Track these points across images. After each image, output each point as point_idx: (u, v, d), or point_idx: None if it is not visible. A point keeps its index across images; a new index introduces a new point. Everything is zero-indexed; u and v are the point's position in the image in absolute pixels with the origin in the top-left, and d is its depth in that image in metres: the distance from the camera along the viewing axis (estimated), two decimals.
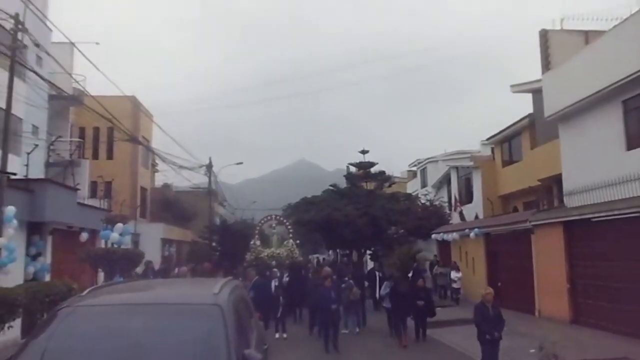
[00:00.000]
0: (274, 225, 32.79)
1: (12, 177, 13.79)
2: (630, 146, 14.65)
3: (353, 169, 34.57)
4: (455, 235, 24.44)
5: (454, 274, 22.52)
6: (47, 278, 15.49)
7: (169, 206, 38.61)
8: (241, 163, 41.29)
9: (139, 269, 18.91)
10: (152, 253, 26.11)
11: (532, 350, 10.65)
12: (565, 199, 17.42)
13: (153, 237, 31.07)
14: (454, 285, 22.38)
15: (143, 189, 35.10)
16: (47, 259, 16.38)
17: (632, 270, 12.92)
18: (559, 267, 15.85)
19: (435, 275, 24.17)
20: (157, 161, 36.36)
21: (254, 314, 6.74)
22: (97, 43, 23.40)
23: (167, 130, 44.36)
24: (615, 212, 13.25)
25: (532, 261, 17.57)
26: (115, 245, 16.35)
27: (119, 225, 16.46)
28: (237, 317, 4.92)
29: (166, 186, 42.38)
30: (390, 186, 33.68)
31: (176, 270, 20.89)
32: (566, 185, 17.41)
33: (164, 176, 41.51)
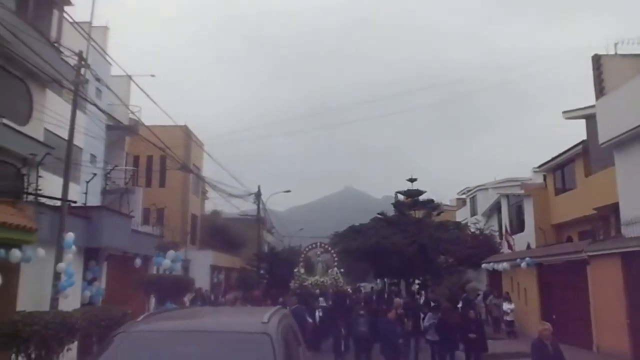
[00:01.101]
0: (319, 253, 32.70)
1: (73, 204, 14.40)
2: None
3: (401, 197, 34.37)
4: (506, 265, 23.83)
5: (506, 306, 21.80)
6: (100, 302, 15.97)
7: (218, 233, 39.22)
8: (289, 191, 41.85)
9: (188, 297, 19.22)
10: (202, 279, 26.55)
11: None
12: (622, 229, 16.79)
13: (202, 264, 31.55)
14: (507, 318, 21.58)
15: (193, 216, 35.87)
16: (102, 283, 16.90)
17: None
18: (617, 301, 15.20)
19: (488, 306, 23.46)
20: (207, 189, 37.18)
21: (302, 343, 6.78)
22: (152, 75, 24.47)
23: (217, 159, 45.31)
24: None
25: (589, 293, 16.92)
26: (167, 272, 16.75)
27: (171, 252, 16.89)
28: (286, 346, 4.99)
29: (216, 213, 43.14)
30: (439, 214, 33.27)
31: (220, 297, 21.15)
32: (624, 215, 16.80)
33: (214, 203, 42.42)
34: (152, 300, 18.82)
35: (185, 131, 32.57)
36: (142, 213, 28.81)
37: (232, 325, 5.23)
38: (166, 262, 16.52)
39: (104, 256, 17.09)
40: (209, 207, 43.21)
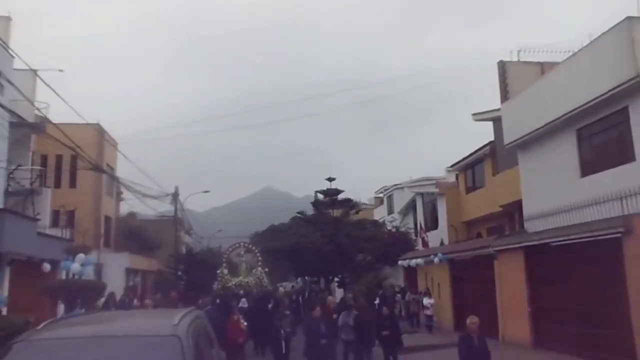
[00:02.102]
0: (242, 253, 32.49)
1: None
2: (584, 173, 15.22)
3: (320, 196, 34.77)
4: (420, 261, 24.67)
5: (426, 300, 22.03)
6: (4, 311, 15.02)
7: (134, 235, 37.93)
8: (208, 191, 41.21)
9: (100, 302, 18.44)
10: (117, 283, 25.57)
11: None
12: (525, 224, 17.87)
13: (117, 267, 30.39)
14: (427, 312, 21.78)
15: (107, 218, 34.48)
16: (5, 291, 15.93)
17: (589, 294, 13.29)
18: (520, 291, 16.15)
19: (407, 302, 23.85)
20: (122, 190, 35.86)
21: (215, 344, 6.71)
22: (60, 70, 23.28)
23: (133, 159, 43.74)
24: (572, 237, 13.65)
25: (495, 286, 17.86)
26: (77, 276, 15.98)
27: (80, 255, 16.12)
28: (197, 348, 4.92)
29: (131, 215, 41.71)
30: (357, 213, 33.96)
31: (136, 301, 20.43)
32: (526, 211, 17.88)
33: (129, 205, 40.94)
34: (62, 307, 17.96)
35: (98, 129, 31.23)
36: (51, 215, 27.31)
37: (140, 329, 5.09)
38: (75, 266, 15.74)
39: (6, 261, 16.11)
40: (124, 208, 41.72)
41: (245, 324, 13.04)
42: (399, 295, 25.00)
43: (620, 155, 14.15)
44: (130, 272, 32.95)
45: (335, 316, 13.92)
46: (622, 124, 13.98)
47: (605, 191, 13.26)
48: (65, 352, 4.59)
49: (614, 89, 13.56)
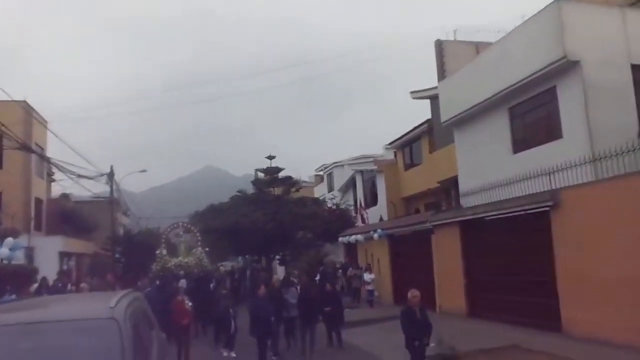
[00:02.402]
0: (181, 233, 31.85)
1: None
2: (516, 150, 15.89)
3: (261, 175, 34.57)
4: (360, 237, 25.07)
5: (367, 276, 22.12)
6: None
7: (67, 218, 36.53)
8: (145, 171, 39.96)
9: (33, 287, 17.76)
10: (50, 267, 24.60)
11: (432, 345, 11.15)
12: (461, 200, 18.47)
13: (50, 251, 29.23)
14: (368, 287, 21.93)
15: (38, 200, 33.04)
16: None
17: (519, 264, 13.93)
18: (456, 265, 16.74)
19: (349, 277, 23.94)
20: (53, 170, 34.37)
21: (155, 326, 6.61)
22: None
23: (64, 138, 41.98)
24: (503, 211, 14.22)
25: (433, 260, 18.41)
26: (5, 261, 15.31)
27: (9, 239, 15.47)
28: (135, 331, 4.84)
29: (64, 197, 40.10)
30: (297, 191, 34.04)
31: (70, 286, 19.80)
32: (462, 187, 18.47)
33: (62, 186, 39.35)
34: None
35: (25, 107, 29.69)
36: None
37: (75, 313, 4.96)
38: (4, 251, 15.10)
39: None
40: (56, 190, 40.04)
41: (190, 304, 12.73)
42: (340, 271, 25.29)
43: (549, 132, 14.82)
44: (64, 255, 31.80)
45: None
46: (551, 102, 14.62)
47: (535, 167, 13.85)
48: None
49: (543, 68, 14.14)
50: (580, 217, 11.67)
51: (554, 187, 12.84)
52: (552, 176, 13.10)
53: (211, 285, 18.80)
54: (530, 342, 11.41)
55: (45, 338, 4.38)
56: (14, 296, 14.30)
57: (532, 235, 13.41)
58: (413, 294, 9.06)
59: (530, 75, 14.61)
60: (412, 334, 8.76)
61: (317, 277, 21.31)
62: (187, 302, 12.56)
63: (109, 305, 4.74)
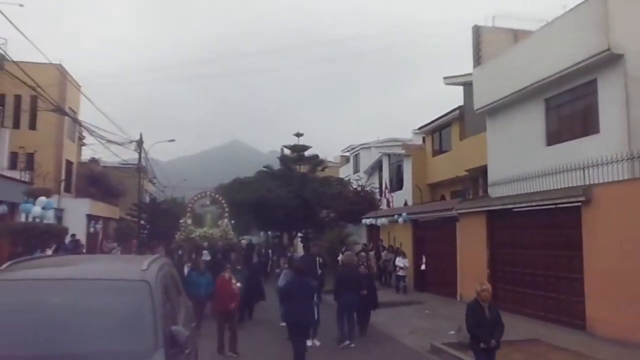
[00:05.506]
0: (207, 203, 31.79)
1: None
2: (549, 142, 15.58)
3: (287, 152, 34.66)
4: (384, 220, 25.03)
5: (401, 261, 20.72)
6: None
7: (95, 182, 37.20)
8: (173, 140, 40.36)
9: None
10: (77, 229, 25.17)
11: (452, 332, 11.15)
12: (489, 189, 18.24)
13: (78, 213, 29.86)
14: (400, 273, 20.61)
15: (68, 163, 33.65)
16: None
17: (546, 259, 13.74)
18: (480, 254, 16.61)
19: (384, 261, 22.72)
20: (84, 134, 34.93)
21: (182, 292, 6.71)
22: (21, 5, 22.12)
23: (97, 102, 42.43)
24: (533, 204, 14.01)
25: (456, 247, 18.31)
26: (37, 220, 15.65)
27: (42, 198, 15.77)
28: (165, 294, 4.90)
29: (93, 161, 40.82)
30: (323, 170, 34.10)
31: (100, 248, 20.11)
32: (491, 176, 18.23)
33: (92, 150, 40.01)
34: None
35: (60, 70, 30.09)
36: (9, 157, 26.52)
37: (108, 273, 5.03)
38: (36, 210, 15.40)
39: None
40: (86, 154, 40.74)
41: (239, 284, 11.02)
42: (371, 253, 24.46)
43: (586, 126, 14.48)
44: (91, 218, 32.46)
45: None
46: (590, 96, 14.26)
47: (568, 161, 13.57)
48: (30, 294, 4.51)
49: (584, 60, 13.76)
50: (613, 214, 11.42)
51: (587, 183, 12.58)
52: (586, 171, 12.82)
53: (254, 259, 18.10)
54: (553, 338, 11.29)
55: (80, 294, 4.46)
56: (42, 254, 14.66)
57: (561, 230, 13.20)
58: (482, 287, 7.59)
59: (570, 67, 14.24)
60: (478, 334, 7.39)
61: (339, 257, 21.31)
62: (234, 280, 10.79)
63: (141, 268, 4.81)
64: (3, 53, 23.72)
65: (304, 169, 32.90)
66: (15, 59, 20.71)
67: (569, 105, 15.36)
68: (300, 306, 9.08)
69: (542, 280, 13.83)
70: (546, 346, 10.75)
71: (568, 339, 11.22)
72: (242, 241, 36.69)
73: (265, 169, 34.19)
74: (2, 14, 15.11)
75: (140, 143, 31.35)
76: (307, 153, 33.14)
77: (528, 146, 16.30)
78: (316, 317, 10.43)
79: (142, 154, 32.25)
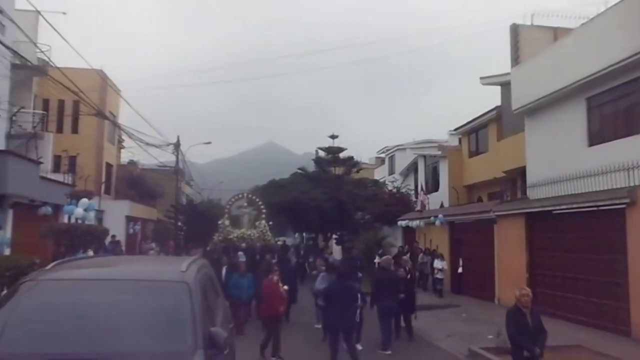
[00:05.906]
0: (245, 204, 32.04)
1: None
2: (592, 142, 15.12)
3: (322, 154, 34.68)
4: (420, 222, 24.80)
5: (439, 263, 20.28)
6: (8, 252, 15.17)
7: (134, 184, 38.04)
8: (209, 143, 41.01)
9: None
10: (117, 230, 25.76)
11: (490, 337, 10.96)
12: (528, 191, 17.88)
13: (118, 215, 30.57)
14: (438, 276, 20.15)
15: (108, 165, 34.49)
16: (8, 232, 16.02)
17: (588, 263, 13.39)
18: (519, 257, 16.29)
19: (421, 264, 22.04)
20: (123, 137, 35.72)
21: (220, 293, 6.78)
22: (63, 13, 22.79)
23: (135, 106, 43.43)
24: (575, 206, 13.66)
25: (494, 250, 18.00)
26: (79, 221, 16.07)
27: (84, 200, 16.18)
28: (204, 295, 4.96)
29: (132, 163, 41.72)
30: (358, 172, 33.97)
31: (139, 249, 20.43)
32: (529, 178, 17.85)
33: (131, 153, 40.98)
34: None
35: (101, 75, 30.84)
36: (53, 160, 27.31)
37: (148, 274, 5.13)
38: (78, 211, 15.81)
39: (9, 203, 16.16)
40: (125, 156, 41.70)
41: (286, 287, 10.65)
42: (408, 255, 23.99)
43: (629, 126, 14.01)
44: (130, 220, 33.16)
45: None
46: (633, 94, 13.81)
47: (611, 162, 13.18)
48: (74, 293, 4.62)
49: (627, 58, 13.32)
50: None
51: (631, 184, 12.19)
52: (630, 172, 12.43)
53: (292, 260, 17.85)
54: (596, 344, 10.97)
55: (120, 294, 4.55)
56: (84, 254, 15.05)
57: (604, 233, 12.84)
58: (522, 291, 7.25)
59: (612, 65, 13.81)
60: (521, 342, 7.04)
61: (376, 260, 21.19)
62: (281, 284, 10.34)
63: (181, 269, 4.88)
64: (47, 59, 24.49)
65: (338, 170, 32.85)
66: (58, 65, 21.38)
67: (612, 104, 14.89)
68: (340, 310, 9.00)
69: (583, 285, 13.47)
70: (589, 352, 10.46)
71: (612, 345, 10.89)
72: (278, 242, 36.99)
73: (300, 171, 34.29)
74: (47, 22, 15.61)
75: (177, 146, 31.86)
76: (341, 155, 33.10)
77: (568, 147, 15.89)
78: (357, 320, 10.22)
79: (180, 157, 32.78)
